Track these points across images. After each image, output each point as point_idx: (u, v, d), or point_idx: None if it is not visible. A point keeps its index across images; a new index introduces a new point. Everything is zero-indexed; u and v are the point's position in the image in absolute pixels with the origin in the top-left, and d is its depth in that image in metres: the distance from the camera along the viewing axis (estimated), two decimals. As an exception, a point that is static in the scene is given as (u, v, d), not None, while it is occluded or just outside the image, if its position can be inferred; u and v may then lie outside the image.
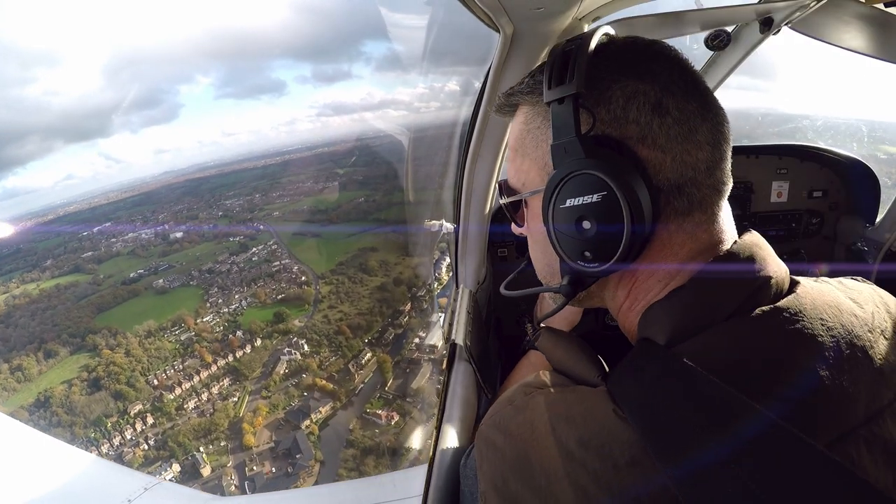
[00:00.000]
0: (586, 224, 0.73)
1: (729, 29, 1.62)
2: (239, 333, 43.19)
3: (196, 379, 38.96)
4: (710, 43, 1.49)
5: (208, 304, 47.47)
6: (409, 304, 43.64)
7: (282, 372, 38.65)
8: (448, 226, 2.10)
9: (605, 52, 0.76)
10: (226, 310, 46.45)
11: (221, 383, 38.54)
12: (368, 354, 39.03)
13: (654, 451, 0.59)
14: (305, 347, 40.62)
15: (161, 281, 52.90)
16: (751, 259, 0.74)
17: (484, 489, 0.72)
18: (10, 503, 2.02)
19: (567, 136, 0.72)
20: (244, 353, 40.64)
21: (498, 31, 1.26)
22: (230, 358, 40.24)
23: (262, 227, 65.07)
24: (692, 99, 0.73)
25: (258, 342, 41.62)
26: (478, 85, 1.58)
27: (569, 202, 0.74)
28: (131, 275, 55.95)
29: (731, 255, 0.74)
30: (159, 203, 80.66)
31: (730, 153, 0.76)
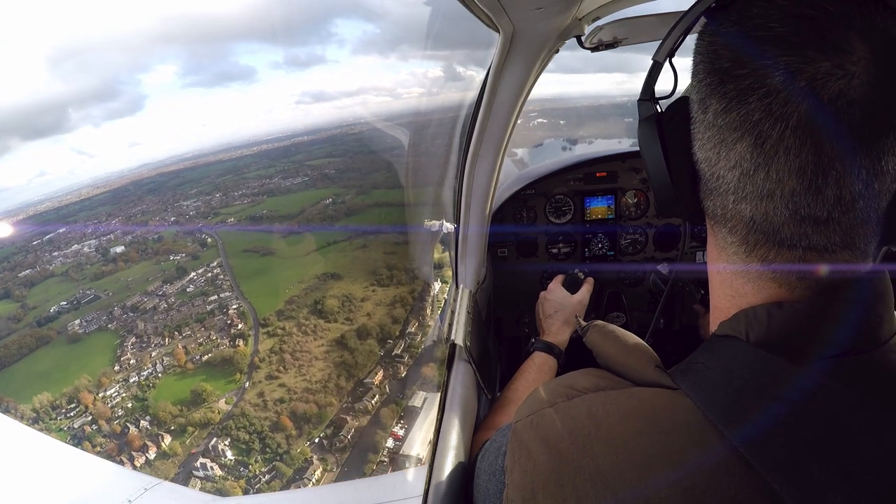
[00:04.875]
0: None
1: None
2: (144, 423, 28.78)
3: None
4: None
5: (117, 367, 33.99)
6: (381, 371, 28.75)
7: None
8: (448, 226, 2.00)
9: (745, 13, 0.57)
10: (135, 378, 32.54)
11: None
12: (318, 470, 24.47)
13: (723, 422, 0.55)
14: (228, 454, 26.21)
15: (77, 322, 41.38)
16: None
17: (512, 496, 0.66)
18: (10, 503, 1.88)
19: (644, 96, 0.72)
20: (145, 460, 26.27)
21: (498, 31, 1.19)
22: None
23: (209, 239, 52.00)
24: (738, 106, 0.56)
25: (165, 441, 27.16)
26: (478, 85, 1.52)
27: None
28: (52, 309, 44.75)
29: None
30: (121, 203, 71.15)
31: (811, 205, 0.54)
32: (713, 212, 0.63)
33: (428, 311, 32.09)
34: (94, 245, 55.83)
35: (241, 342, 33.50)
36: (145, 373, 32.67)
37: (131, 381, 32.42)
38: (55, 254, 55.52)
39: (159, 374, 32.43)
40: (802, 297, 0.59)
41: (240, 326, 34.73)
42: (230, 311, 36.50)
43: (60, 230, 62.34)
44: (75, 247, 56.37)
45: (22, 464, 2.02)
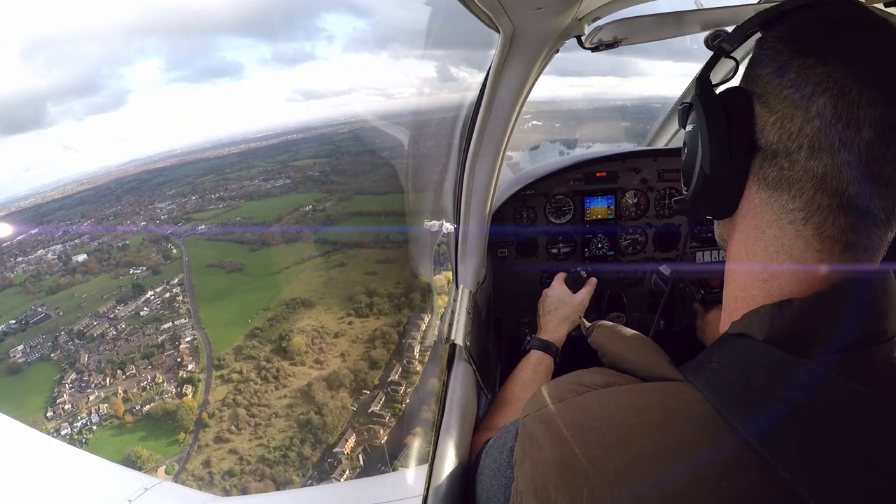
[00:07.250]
0: (685, 150, 0.75)
1: (729, 29, 1.34)
2: None
3: None
4: (710, 43, 1.24)
5: (50, 413, 28.44)
6: (353, 436, 22.87)
7: None
8: (448, 226, 1.96)
9: (796, 15, 0.66)
10: (67, 429, 27.10)
11: None
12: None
13: (735, 416, 0.55)
14: (160, 549, 20.44)
15: (20, 349, 35.84)
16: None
17: (522, 488, 0.65)
18: (10, 503, 1.86)
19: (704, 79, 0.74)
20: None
21: (498, 31, 1.19)
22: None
23: (175, 250, 46.24)
24: (823, 65, 0.60)
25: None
26: (477, 84, 1.51)
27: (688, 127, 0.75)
28: (0, 328, 39.05)
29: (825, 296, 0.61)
30: (98, 203, 64.84)
31: (878, 155, 0.57)
32: (774, 178, 0.61)
33: (417, 350, 26.31)
34: (58, 251, 50.37)
35: (189, 389, 28.05)
36: (78, 424, 27.33)
37: (63, 433, 26.79)
38: (19, 259, 50.11)
39: (94, 427, 27.07)
40: (812, 293, 0.59)
41: (190, 367, 29.26)
42: (182, 346, 31.07)
43: (33, 231, 56.15)
44: (40, 252, 50.95)
45: (22, 463, 2.00)
